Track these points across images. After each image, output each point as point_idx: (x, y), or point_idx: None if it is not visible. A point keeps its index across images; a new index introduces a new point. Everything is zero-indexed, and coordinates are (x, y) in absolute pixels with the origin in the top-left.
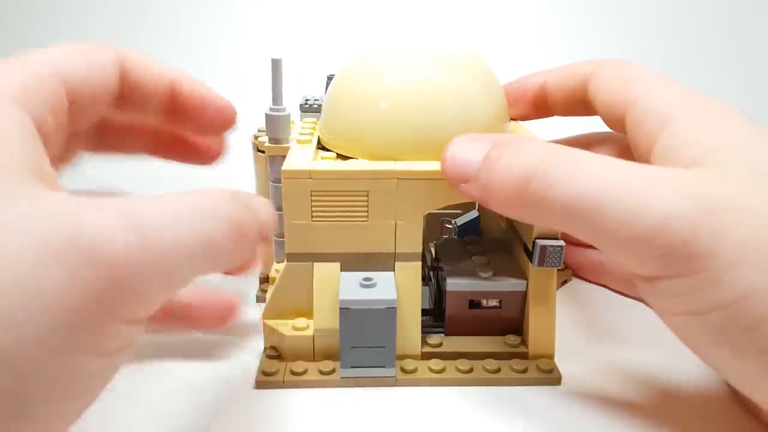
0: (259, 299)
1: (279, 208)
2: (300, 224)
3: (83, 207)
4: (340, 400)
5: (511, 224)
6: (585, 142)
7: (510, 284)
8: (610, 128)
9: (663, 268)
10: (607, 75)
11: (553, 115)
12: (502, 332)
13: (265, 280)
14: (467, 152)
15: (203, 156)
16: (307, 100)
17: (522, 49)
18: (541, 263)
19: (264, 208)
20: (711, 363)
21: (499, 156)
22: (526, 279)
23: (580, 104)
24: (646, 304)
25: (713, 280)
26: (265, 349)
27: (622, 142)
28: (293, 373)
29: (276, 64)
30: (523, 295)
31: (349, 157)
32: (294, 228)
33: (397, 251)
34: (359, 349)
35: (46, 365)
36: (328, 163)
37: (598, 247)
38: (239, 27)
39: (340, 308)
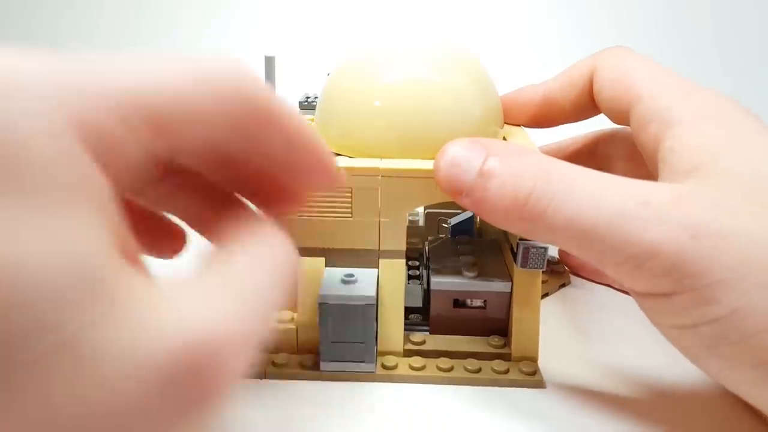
0: None
1: None
2: (290, 219)
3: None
4: (319, 394)
5: None
6: (594, 140)
7: (494, 285)
8: (615, 123)
9: (654, 287)
10: (607, 70)
11: (556, 125)
12: (488, 333)
13: None
14: (461, 163)
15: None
16: (307, 97)
17: (519, 48)
18: (524, 265)
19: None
20: (708, 372)
21: (492, 171)
22: (512, 280)
23: (589, 107)
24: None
25: (701, 298)
26: None
27: (629, 140)
28: (274, 365)
29: (269, 62)
30: (509, 297)
31: (341, 155)
32: (280, 222)
33: (381, 248)
34: (339, 344)
35: None
36: None
37: (590, 262)
38: (239, 25)
39: (319, 303)
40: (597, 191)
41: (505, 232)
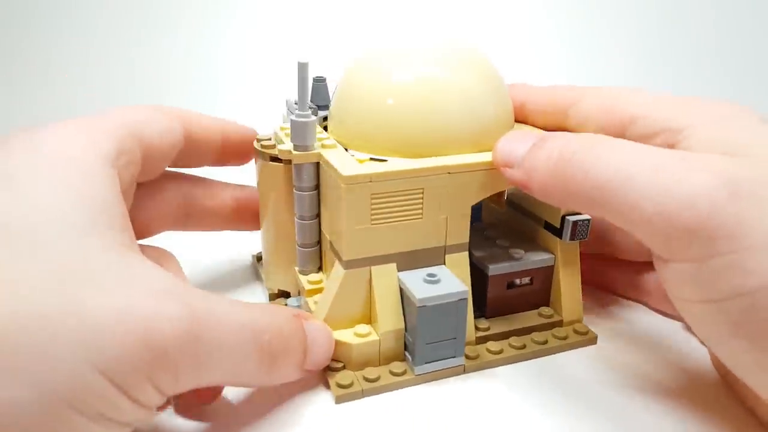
0: None
1: (302, 217)
2: (360, 229)
3: (158, 290)
4: (420, 398)
5: (520, 207)
6: None
7: (541, 260)
8: None
9: (684, 248)
10: (593, 100)
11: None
12: (532, 306)
13: (275, 296)
14: (516, 142)
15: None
16: (296, 102)
17: (524, 47)
18: (572, 237)
19: (322, 343)
20: (725, 355)
21: (542, 144)
22: (552, 253)
23: (559, 128)
24: (646, 305)
25: (733, 265)
26: None
27: None
28: (367, 380)
29: (302, 68)
30: (551, 269)
31: (382, 159)
32: (354, 234)
33: (447, 244)
34: (432, 344)
35: (98, 383)
36: (382, 165)
37: (624, 226)
38: (231, 36)
39: (419, 307)
40: (638, 149)
41: (523, 212)
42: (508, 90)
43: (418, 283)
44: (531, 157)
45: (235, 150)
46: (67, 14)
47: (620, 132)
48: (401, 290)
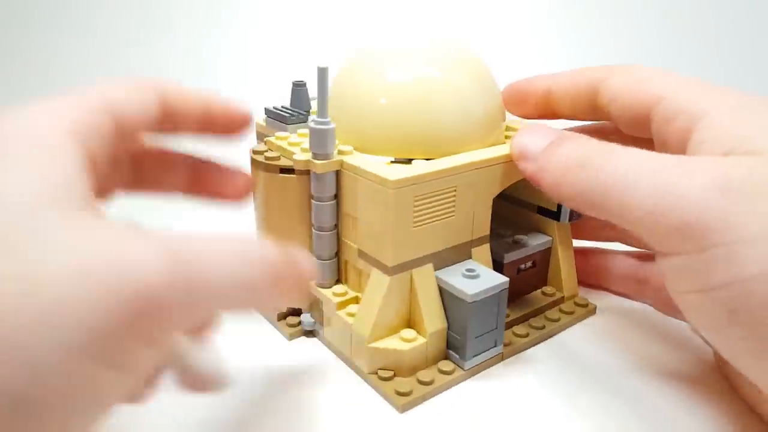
0: (293, 336)
1: (321, 228)
2: (404, 233)
3: (127, 235)
4: (471, 393)
5: (508, 196)
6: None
7: (542, 243)
8: (625, 130)
9: (679, 243)
10: (622, 78)
11: (556, 119)
12: (532, 288)
13: (284, 315)
14: (533, 136)
15: (231, 194)
16: (278, 110)
17: (519, 46)
18: (571, 218)
19: (305, 259)
20: (722, 345)
21: (560, 143)
22: (549, 235)
23: (586, 109)
24: (649, 304)
25: (724, 256)
26: (374, 372)
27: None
28: (424, 384)
29: (322, 73)
30: (549, 250)
31: (404, 160)
32: (400, 238)
33: (474, 237)
34: (479, 338)
35: (67, 369)
36: (421, 166)
37: (626, 226)
38: (232, 36)
39: (471, 303)
40: (642, 155)
41: (509, 199)
42: (498, 89)
43: (460, 280)
44: (546, 157)
45: (219, 118)
46: (67, 14)
47: (646, 111)
48: (441, 289)
